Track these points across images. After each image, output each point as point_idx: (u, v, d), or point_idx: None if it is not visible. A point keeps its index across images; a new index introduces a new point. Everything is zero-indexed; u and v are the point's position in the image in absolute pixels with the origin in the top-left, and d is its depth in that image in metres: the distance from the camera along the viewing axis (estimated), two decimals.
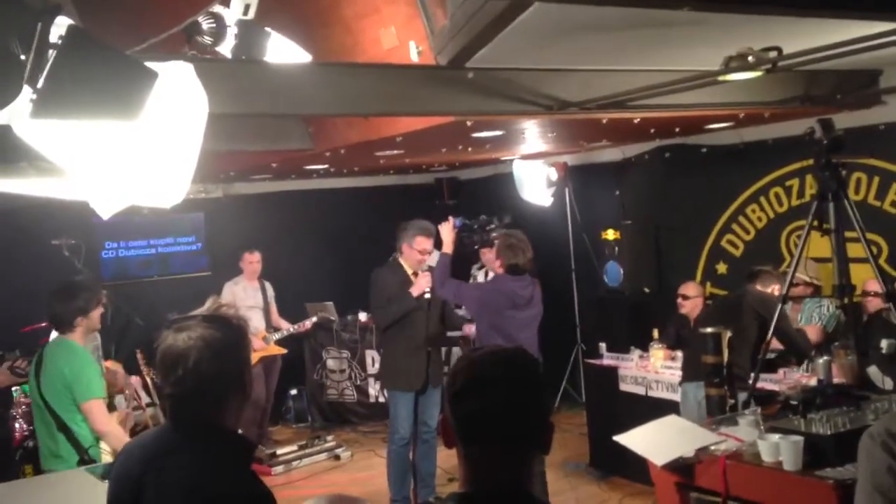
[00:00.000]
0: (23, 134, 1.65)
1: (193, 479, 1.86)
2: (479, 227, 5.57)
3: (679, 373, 5.44)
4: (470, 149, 6.51)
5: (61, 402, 3.98)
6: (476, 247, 5.67)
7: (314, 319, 7.94)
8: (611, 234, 7.34)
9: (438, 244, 5.48)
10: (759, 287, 5.15)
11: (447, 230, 5.38)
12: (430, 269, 5.54)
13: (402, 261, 5.62)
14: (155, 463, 1.94)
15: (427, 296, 5.49)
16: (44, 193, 1.87)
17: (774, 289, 5.20)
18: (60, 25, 1.65)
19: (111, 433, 4.08)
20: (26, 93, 1.61)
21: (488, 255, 6.53)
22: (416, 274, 5.56)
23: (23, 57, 1.61)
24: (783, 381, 5.08)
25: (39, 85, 1.60)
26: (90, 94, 1.64)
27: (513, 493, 1.59)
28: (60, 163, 1.70)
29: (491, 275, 6.59)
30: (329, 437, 7.59)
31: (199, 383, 1.91)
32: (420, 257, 5.57)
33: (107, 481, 3.56)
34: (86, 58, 1.64)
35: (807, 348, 4.89)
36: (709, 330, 4.12)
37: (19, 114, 1.62)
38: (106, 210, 1.83)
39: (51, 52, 1.62)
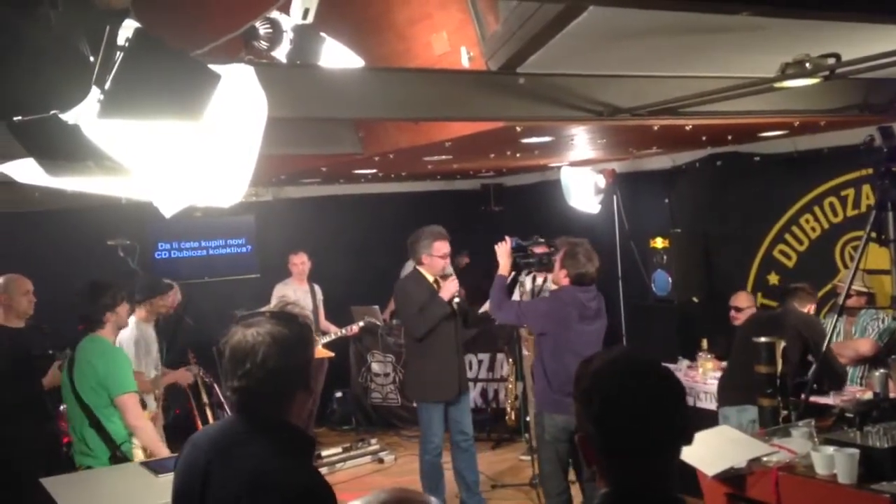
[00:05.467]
0: (90, 133, 1.70)
1: (259, 468, 1.90)
2: (537, 259, 5.29)
3: None
4: (518, 155, 6.50)
5: (95, 398, 4.09)
6: (531, 271, 5.43)
7: (361, 324, 8.00)
8: (659, 243, 7.27)
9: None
10: (797, 306, 5.07)
11: (504, 251, 5.19)
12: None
13: (423, 270, 5.58)
14: (221, 452, 1.98)
15: (456, 300, 5.47)
16: (108, 192, 1.92)
17: (810, 308, 5.12)
18: (127, 28, 1.70)
19: (143, 428, 4.20)
20: (94, 93, 1.65)
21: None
22: (436, 282, 5.54)
23: (91, 59, 1.65)
24: (838, 394, 4.97)
25: (107, 86, 1.65)
26: (155, 95, 1.68)
27: (664, 494, 1.59)
28: (125, 162, 1.75)
29: (539, 281, 6.56)
30: (373, 441, 7.63)
31: (266, 377, 1.96)
32: (443, 262, 5.53)
33: (160, 476, 3.66)
34: (151, 60, 1.68)
35: (843, 377, 4.76)
36: (762, 339, 4.06)
37: (87, 114, 1.67)
38: (168, 208, 1.88)
39: (118, 54, 1.66)
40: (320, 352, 7.65)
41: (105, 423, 4.11)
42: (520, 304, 5.03)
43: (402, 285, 5.82)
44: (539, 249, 5.26)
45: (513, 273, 5.38)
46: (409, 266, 8.75)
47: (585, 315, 4.78)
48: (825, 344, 4.56)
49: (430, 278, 5.55)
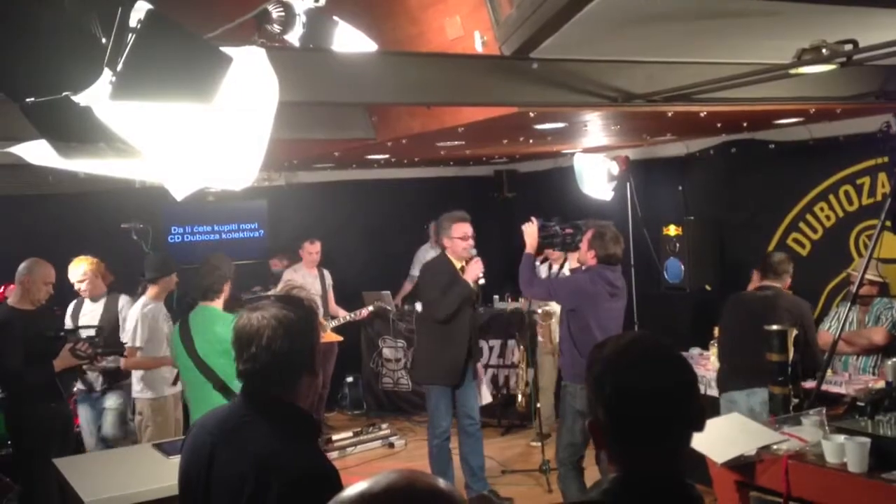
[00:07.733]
0: (102, 115, 1.70)
1: (263, 450, 1.91)
2: (558, 235, 5.42)
3: None
4: (531, 141, 6.48)
5: (223, 363, 4.22)
6: (556, 249, 5.58)
7: (371, 308, 8.01)
8: (672, 230, 7.23)
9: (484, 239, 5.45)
10: (779, 284, 5.07)
11: (531, 231, 5.33)
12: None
13: (449, 255, 5.62)
14: (227, 434, 2.00)
15: (482, 281, 5.49)
16: (120, 174, 1.92)
17: (786, 285, 5.12)
18: (139, 10, 1.69)
19: None
20: (106, 75, 1.65)
21: (554, 253, 6.52)
22: (462, 268, 5.56)
23: (103, 40, 1.65)
24: (849, 383, 4.96)
25: (119, 67, 1.65)
26: (167, 77, 1.67)
27: (674, 481, 1.59)
28: (138, 144, 1.75)
29: (555, 269, 6.56)
30: (384, 425, 7.66)
31: (271, 360, 1.98)
32: (464, 244, 5.54)
33: (171, 458, 3.69)
34: (163, 42, 1.67)
35: (819, 365, 4.74)
36: (774, 327, 4.04)
37: (99, 95, 1.67)
38: (180, 191, 1.88)
39: (130, 35, 1.66)
40: (329, 336, 7.67)
41: (230, 383, 4.27)
42: (550, 283, 5.32)
43: (428, 267, 5.87)
44: (564, 230, 5.41)
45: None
46: (424, 249, 8.78)
47: (613, 293, 5.03)
48: (807, 329, 4.70)
49: (457, 263, 5.58)
